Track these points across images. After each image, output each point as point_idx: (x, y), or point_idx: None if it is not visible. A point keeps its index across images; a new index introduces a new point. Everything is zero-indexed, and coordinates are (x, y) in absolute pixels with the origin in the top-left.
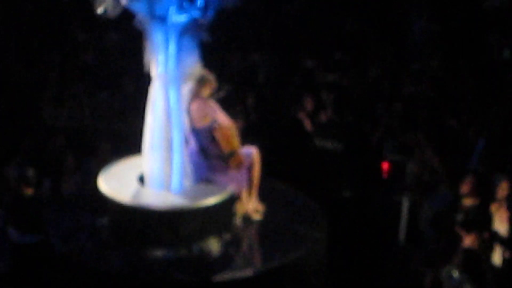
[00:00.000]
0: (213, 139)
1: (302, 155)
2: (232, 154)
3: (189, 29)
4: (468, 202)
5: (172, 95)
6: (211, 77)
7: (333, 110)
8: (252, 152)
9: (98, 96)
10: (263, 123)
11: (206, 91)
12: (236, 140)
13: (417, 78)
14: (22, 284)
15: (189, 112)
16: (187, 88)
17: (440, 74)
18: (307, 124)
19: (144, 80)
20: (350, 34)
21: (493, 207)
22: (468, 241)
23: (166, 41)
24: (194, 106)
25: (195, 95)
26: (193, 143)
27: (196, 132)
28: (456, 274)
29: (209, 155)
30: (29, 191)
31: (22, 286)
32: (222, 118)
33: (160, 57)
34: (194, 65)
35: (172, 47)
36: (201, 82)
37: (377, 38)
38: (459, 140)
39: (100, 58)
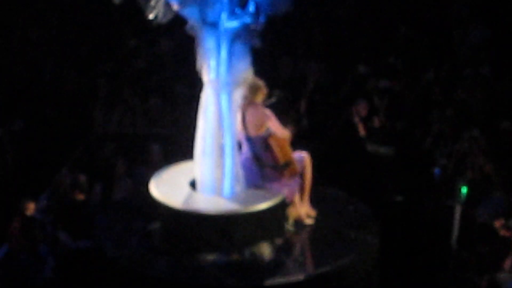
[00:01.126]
0: (267, 148)
1: (355, 160)
2: (288, 164)
3: (241, 35)
4: None
5: (223, 101)
6: (261, 83)
7: (386, 115)
8: (303, 157)
9: (149, 102)
10: (315, 129)
11: (259, 97)
12: (290, 150)
13: (469, 84)
14: None
15: (244, 120)
16: (239, 94)
17: (492, 80)
18: (361, 129)
19: (196, 86)
20: (403, 39)
21: None
22: None
23: (218, 47)
24: (250, 114)
25: (249, 102)
26: (247, 151)
27: (250, 140)
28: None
29: (263, 164)
30: (81, 197)
31: None
32: (278, 128)
33: (212, 63)
34: (245, 71)
35: (224, 53)
36: (252, 88)
37: (430, 44)
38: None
39: (152, 64)
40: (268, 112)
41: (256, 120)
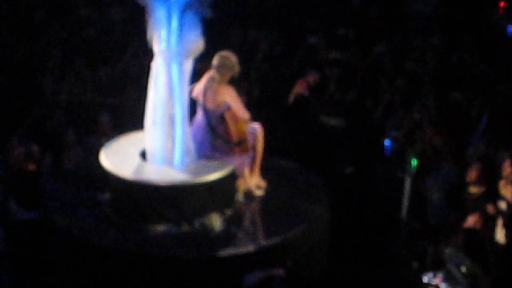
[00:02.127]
0: (222, 122)
1: (305, 132)
2: (241, 142)
3: (192, 5)
4: (474, 189)
5: (174, 71)
6: (235, 62)
7: (336, 86)
8: (256, 128)
9: (99, 71)
10: (266, 100)
11: (226, 77)
12: (246, 129)
13: (420, 55)
14: (22, 260)
15: (205, 91)
16: (189, 64)
17: (442, 50)
18: (312, 100)
19: (146, 56)
20: (354, 10)
21: (501, 185)
22: (471, 220)
23: (169, 17)
24: (212, 88)
25: (214, 77)
26: (200, 119)
27: (207, 111)
28: (458, 254)
29: (216, 135)
30: (32, 167)
31: (21, 262)
32: (239, 108)
33: (163, 33)
34: (196, 41)
35: (175, 23)
36: (224, 67)
37: (381, 15)
38: (462, 117)
39: (102, 34)
40: (231, 90)
41: (217, 95)
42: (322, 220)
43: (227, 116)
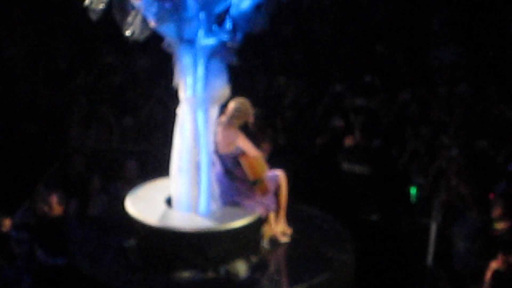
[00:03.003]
0: (238, 164)
1: (330, 179)
2: (257, 182)
3: (218, 52)
4: (500, 226)
5: (200, 118)
6: (250, 111)
7: (361, 133)
8: (278, 175)
9: (126, 118)
10: (291, 147)
11: (240, 122)
12: (262, 169)
13: (445, 103)
14: None
15: (215, 136)
16: (215, 111)
17: (468, 98)
18: (337, 147)
19: (172, 102)
20: (379, 58)
21: None
22: (495, 264)
23: (195, 64)
24: (221, 132)
25: (226, 122)
26: (218, 166)
27: (221, 156)
28: None
29: (234, 178)
30: (57, 214)
31: None
32: (249, 147)
33: (189, 80)
34: (222, 88)
35: (201, 70)
36: (239, 112)
37: (406, 62)
38: (488, 165)
39: (128, 81)
40: (239, 132)
41: (227, 138)
42: (347, 268)
43: (241, 160)
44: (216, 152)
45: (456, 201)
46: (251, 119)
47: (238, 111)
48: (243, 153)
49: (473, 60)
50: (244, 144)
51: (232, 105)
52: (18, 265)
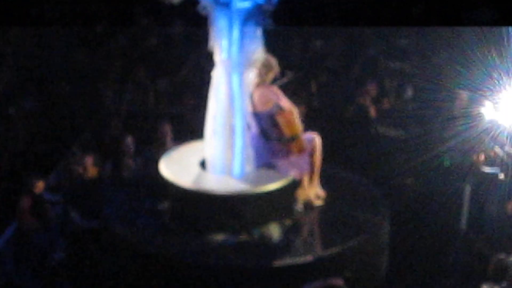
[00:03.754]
0: (274, 124)
1: (364, 142)
2: (294, 138)
3: (253, 15)
4: None
5: (235, 81)
6: (274, 62)
7: (396, 97)
8: (313, 138)
9: (161, 81)
10: (326, 110)
11: (269, 77)
12: (298, 125)
13: None
14: (82, 268)
15: (251, 97)
16: (250, 73)
17: None
18: (371, 111)
19: (207, 66)
20: (415, 19)
21: None
22: None
23: (230, 27)
24: (257, 91)
25: (259, 81)
26: (254, 127)
27: (258, 116)
28: None
29: (270, 139)
30: (91, 175)
31: (82, 271)
32: (285, 103)
33: (224, 43)
34: (257, 51)
35: (236, 33)
36: (264, 67)
37: (437, 23)
38: None
39: (163, 44)
40: (275, 89)
41: (263, 97)
42: (381, 231)
43: (278, 118)
44: (253, 112)
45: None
46: (277, 70)
47: (262, 66)
48: (280, 110)
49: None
50: (280, 99)
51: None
52: (52, 227)
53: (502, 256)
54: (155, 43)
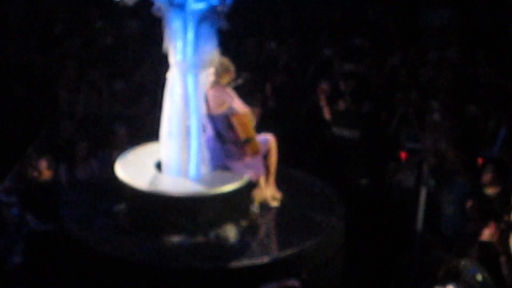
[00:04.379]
0: (229, 126)
1: (320, 143)
2: (249, 140)
3: (208, 16)
4: (490, 191)
5: (190, 82)
6: (231, 65)
7: (351, 98)
8: (268, 139)
9: (116, 83)
10: (281, 111)
11: (225, 79)
12: (252, 127)
13: (435, 66)
14: (38, 271)
15: (206, 98)
16: (205, 75)
17: (458, 63)
18: (326, 111)
19: (162, 67)
20: (369, 22)
21: None
22: (486, 233)
23: (185, 28)
24: (211, 93)
25: (214, 82)
26: (209, 129)
27: (212, 118)
28: (474, 265)
29: (225, 141)
30: (47, 178)
31: (37, 273)
32: (239, 105)
33: (178, 44)
34: (212, 52)
35: (190, 34)
36: (220, 70)
37: (395, 27)
38: (477, 130)
39: (118, 45)
40: (229, 91)
41: (218, 98)
42: (337, 232)
43: (232, 120)
44: (208, 114)
45: (445, 166)
46: (233, 73)
47: (219, 68)
48: (234, 112)
49: (463, 23)
50: (234, 101)
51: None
52: (9, 230)
53: (454, 260)
54: (110, 45)
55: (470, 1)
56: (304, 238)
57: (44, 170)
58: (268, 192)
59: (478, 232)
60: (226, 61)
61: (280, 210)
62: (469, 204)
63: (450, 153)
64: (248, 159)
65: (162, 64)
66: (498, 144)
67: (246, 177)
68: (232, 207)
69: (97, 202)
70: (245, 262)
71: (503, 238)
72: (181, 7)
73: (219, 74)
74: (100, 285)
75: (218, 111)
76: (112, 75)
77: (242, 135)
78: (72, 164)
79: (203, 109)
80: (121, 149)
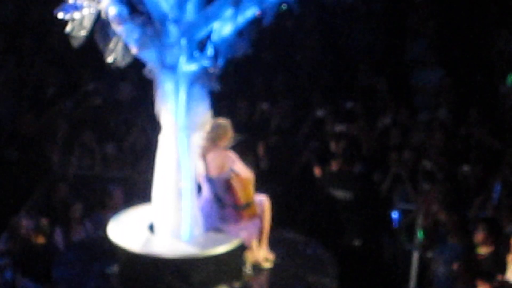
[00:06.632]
0: (228, 189)
1: (312, 204)
2: (249, 205)
3: (199, 78)
4: (483, 250)
5: (182, 144)
6: (229, 127)
7: (343, 159)
8: (262, 200)
9: (108, 145)
10: (274, 172)
11: (224, 141)
12: (252, 191)
13: (426, 127)
14: None
15: (205, 161)
16: (197, 136)
17: (450, 123)
18: (317, 171)
19: (154, 129)
20: (361, 85)
21: (509, 257)
22: None
23: (176, 90)
24: (211, 156)
25: (212, 144)
26: (207, 192)
27: (211, 181)
28: None
29: (223, 204)
30: (40, 240)
31: None
32: (241, 169)
33: (170, 106)
34: (204, 114)
35: (182, 96)
36: (219, 132)
37: (386, 88)
38: (470, 191)
39: (110, 107)
40: (230, 153)
41: (218, 161)
42: None
43: (233, 182)
44: (207, 176)
45: (436, 227)
46: (232, 135)
47: (219, 129)
48: (235, 175)
49: (454, 84)
50: (235, 164)
51: (211, 126)
52: None
53: None
54: (102, 107)
55: (460, 62)
56: None
57: (38, 232)
58: (261, 254)
59: None
60: (225, 123)
61: (273, 272)
62: (455, 266)
63: (442, 214)
64: (244, 223)
65: (155, 126)
66: (495, 199)
67: (240, 238)
68: (225, 268)
69: (91, 263)
70: None
71: None
72: (173, 69)
73: (218, 137)
74: None
75: (217, 173)
76: (104, 137)
77: (242, 199)
78: (66, 226)
79: (198, 171)
80: (116, 211)
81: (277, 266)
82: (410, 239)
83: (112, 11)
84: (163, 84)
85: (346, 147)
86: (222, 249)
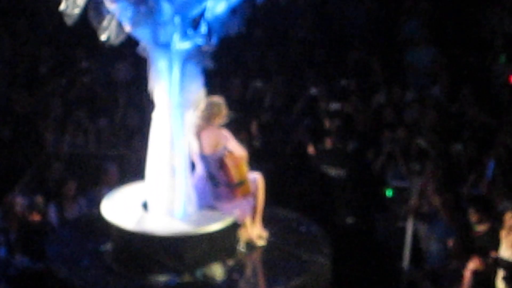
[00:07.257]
0: (222, 167)
1: (306, 182)
2: (242, 183)
3: (193, 56)
4: (480, 228)
5: (175, 122)
6: (223, 105)
7: (337, 137)
8: (256, 178)
9: (101, 122)
10: (267, 150)
11: (218, 119)
12: (246, 169)
13: (420, 105)
14: None
15: (199, 139)
16: (195, 114)
17: (443, 101)
18: (310, 149)
19: (148, 107)
20: (354, 62)
21: (502, 234)
22: (472, 265)
23: (170, 68)
24: (205, 134)
25: (206, 122)
26: (201, 170)
27: (205, 159)
28: None
29: (217, 183)
30: (35, 218)
31: None
32: (235, 147)
33: (164, 84)
34: (197, 91)
35: (176, 74)
36: (214, 110)
37: (381, 66)
38: (462, 167)
39: (104, 85)
40: (224, 131)
41: (212, 139)
42: (324, 270)
43: (227, 161)
44: (201, 154)
45: (429, 204)
46: (226, 113)
47: (213, 107)
48: (228, 153)
49: (447, 62)
50: (229, 142)
51: (204, 104)
52: None
53: None
54: (95, 85)
55: (453, 40)
56: (291, 277)
57: (33, 210)
58: (255, 231)
59: (463, 267)
60: (219, 101)
61: (266, 249)
62: (450, 243)
63: (434, 192)
64: (237, 200)
65: (149, 104)
66: (489, 177)
67: (232, 216)
68: (219, 246)
69: (85, 241)
70: None
71: (490, 271)
72: (166, 46)
73: (212, 115)
74: None
75: (211, 151)
76: (98, 115)
77: (235, 177)
78: (61, 204)
79: (192, 149)
80: (112, 188)
81: (270, 243)
82: (404, 216)
83: None
84: (156, 62)
85: (339, 125)
86: (215, 226)
